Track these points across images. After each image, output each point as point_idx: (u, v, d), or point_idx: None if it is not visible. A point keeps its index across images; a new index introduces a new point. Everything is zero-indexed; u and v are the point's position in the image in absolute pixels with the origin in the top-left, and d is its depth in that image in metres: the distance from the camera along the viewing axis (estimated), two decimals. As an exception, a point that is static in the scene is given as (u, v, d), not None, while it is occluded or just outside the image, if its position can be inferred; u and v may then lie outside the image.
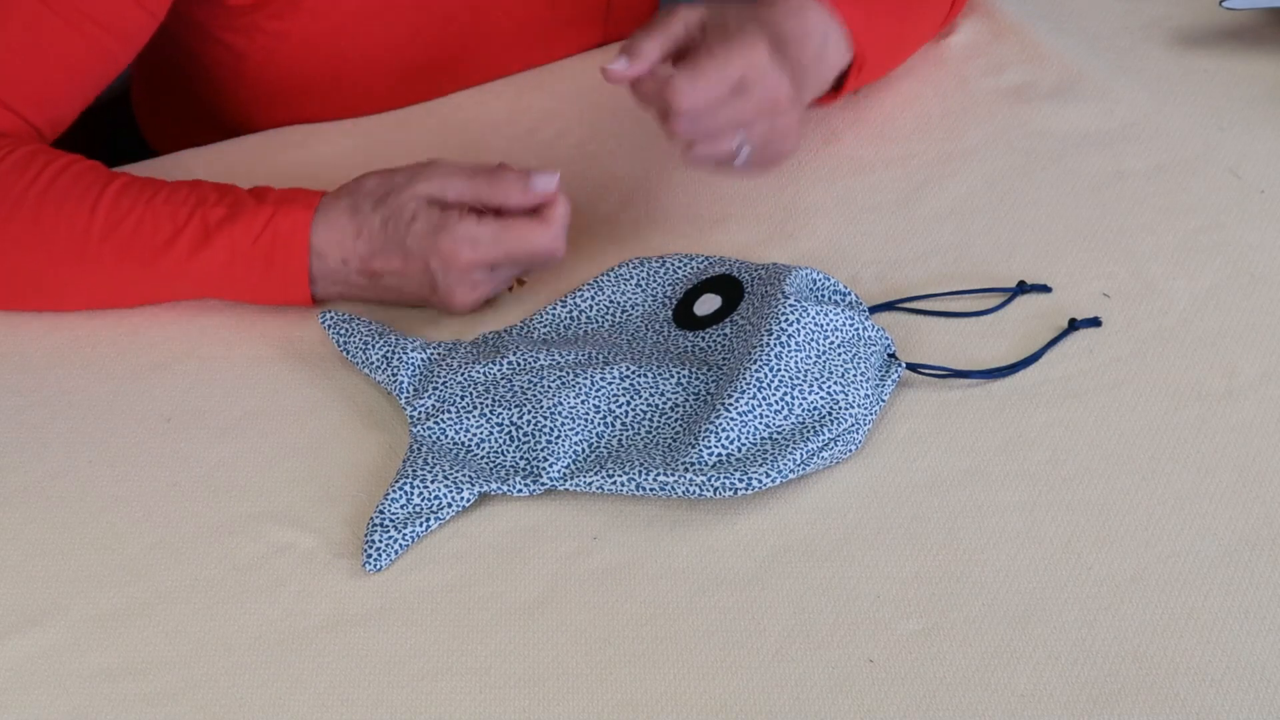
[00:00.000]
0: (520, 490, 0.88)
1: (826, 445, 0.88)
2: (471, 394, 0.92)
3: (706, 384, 0.92)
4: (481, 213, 0.96)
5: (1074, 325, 0.97)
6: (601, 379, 0.92)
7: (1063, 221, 1.05)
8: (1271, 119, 1.14)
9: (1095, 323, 0.97)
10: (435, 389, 0.92)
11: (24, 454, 0.91)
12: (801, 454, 0.88)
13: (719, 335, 0.94)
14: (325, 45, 1.11)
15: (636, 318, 0.98)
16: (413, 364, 0.93)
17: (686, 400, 0.91)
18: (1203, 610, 0.83)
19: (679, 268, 0.99)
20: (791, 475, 0.87)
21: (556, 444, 0.89)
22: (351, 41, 1.12)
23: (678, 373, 0.92)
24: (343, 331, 0.96)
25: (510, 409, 0.91)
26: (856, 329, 0.93)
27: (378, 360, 0.94)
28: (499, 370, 0.93)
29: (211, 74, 1.16)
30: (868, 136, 1.13)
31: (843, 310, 0.93)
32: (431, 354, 0.94)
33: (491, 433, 0.90)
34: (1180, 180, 1.08)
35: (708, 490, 0.86)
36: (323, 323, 0.96)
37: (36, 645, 0.82)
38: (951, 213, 1.07)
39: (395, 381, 0.93)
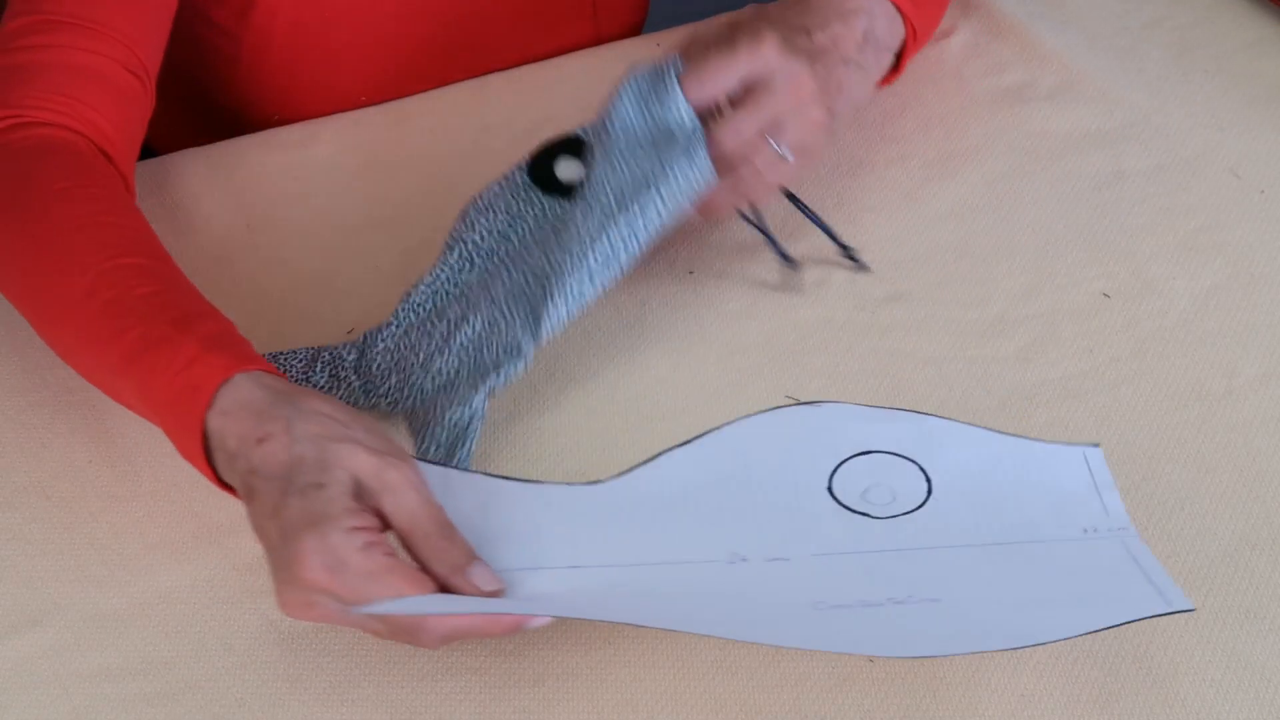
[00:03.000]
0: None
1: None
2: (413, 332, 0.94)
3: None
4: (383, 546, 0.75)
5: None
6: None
7: (1063, 221, 1.05)
8: (1271, 119, 1.14)
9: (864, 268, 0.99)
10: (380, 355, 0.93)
11: (24, 454, 0.91)
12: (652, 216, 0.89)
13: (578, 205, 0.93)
14: (314, 25, 1.11)
15: (526, 230, 0.97)
16: (363, 361, 0.94)
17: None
18: (1203, 610, 0.83)
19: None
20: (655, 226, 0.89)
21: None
22: (341, 24, 1.12)
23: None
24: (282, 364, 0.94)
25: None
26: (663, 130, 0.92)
27: (324, 383, 0.94)
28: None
29: (205, 60, 1.16)
30: (868, 136, 1.13)
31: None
32: (383, 343, 0.94)
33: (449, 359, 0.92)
34: (1180, 180, 1.09)
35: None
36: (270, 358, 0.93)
37: (36, 645, 0.82)
38: (951, 213, 1.07)
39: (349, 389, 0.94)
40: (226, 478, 0.80)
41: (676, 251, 1.04)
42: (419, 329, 0.94)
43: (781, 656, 0.81)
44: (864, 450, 0.84)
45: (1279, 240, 1.04)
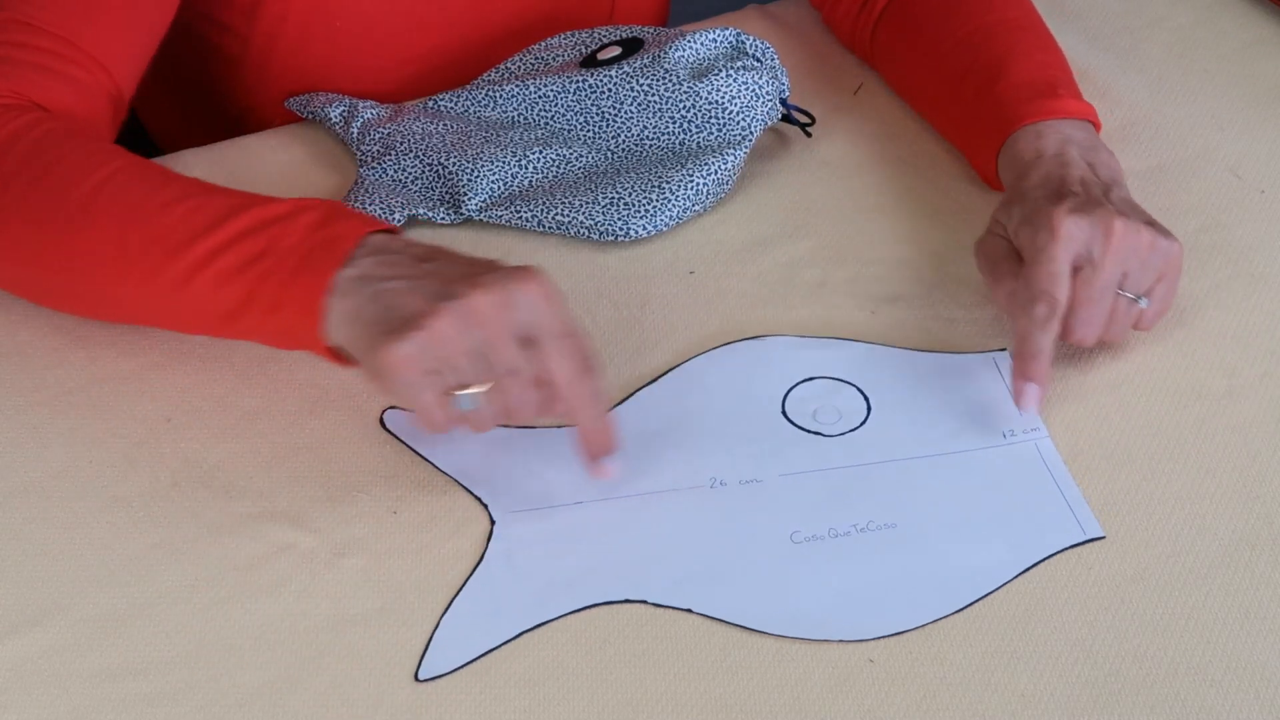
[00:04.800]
0: (443, 218, 1.04)
1: (699, 195, 1.03)
2: (410, 141, 1.06)
3: (605, 139, 1.06)
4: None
5: None
6: (519, 135, 1.07)
7: (1063, 221, 1.05)
8: (1271, 119, 1.14)
9: None
10: (381, 138, 1.07)
11: (24, 454, 0.91)
12: (676, 210, 1.03)
13: (611, 73, 1.06)
14: (322, 27, 1.11)
15: (553, 67, 1.10)
16: (364, 118, 1.08)
17: (589, 152, 1.06)
18: (1203, 610, 0.83)
19: (600, 35, 1.11)
20: (665, 229, 1.03)
21: (476, 182, 1.03)
22: (349, 26, 1.12)
23: (582, 131, 1.06)
24: (306, 103, 1.11)
25: (440, 154, 1.05)
26: (742, 87, 1.05)
27: (336, 118, 1.09)
28: (435, 127, 1.07)
29: (211, 60, 1.16)
30: (868, 136, 1.13)
31: (734, 74, 1.05)
32: (380, 112, 1.09)
33: (423, 171, 1.05)
34: (1180, 180, 1.09)
35: (594, 233, 1.02)
36: (289, 104, 1.11)
37: (36, 645, 0.82)
38: (951, 212, 1.07)
39: (348, 132, 1.08)
40: (361, 288, 0.83)
41: (676, 251, 1.04)
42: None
43: (782, 656, 0.81)
44: (809, 376, 0.95)
45: (1279, 240, 1.04)
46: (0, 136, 0.92)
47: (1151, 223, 0.93)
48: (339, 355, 0.87)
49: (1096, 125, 1.03)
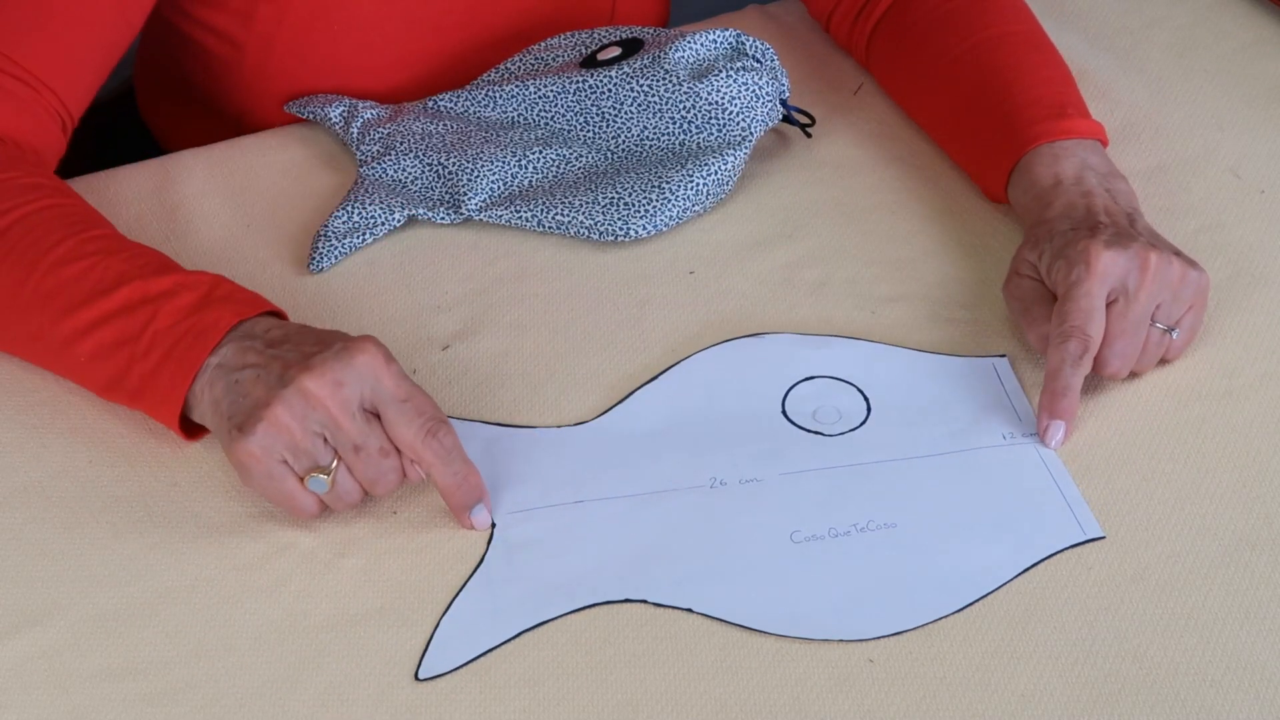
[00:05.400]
0: (443, 218, 1.04)
1: (699, 195, 1.04)
2: (410, 141, 1.07)
3: (605, 139, 1.07)
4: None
5: None
6: (519, 135, 1.07)
7: (1063, 221, 1.05)
8: (1271, 119, 1.14)
9: None
10: (381, 138, 1.08)
11: (24, 454, 0.91)
12: (676, 210, 1.03)
13: (611, 74, 1.06)
14: (319, 32, 1.11)
15: (554, 67, 1.10)
16: (363, 118, 1.09)
17: (589, 152, 1.06)
18: (1203, 610, 0.83)
19: (600, 35, 1.11)
20: (665, 229, 1.03)
21: (476, 182, 1.04)
22: (347, 31, 1.12)
23: (582, 132, 1.07)
24: (305, 104, 1.12)
25: (440, 154, 1.06)
26: (744, 88, 1.05)
27: (336, 118, 1.10)
28: (435, 127, 1.08)
29: (207, 66, 1.16)
30: (868, 136, 1.13)
31: (734, 74, 1.05)
32: (380, 112, 1.10)
33: (423, 171, 1.06)
34: (1180, 180, 1.09)
35: (594, 233, 1.02)
36: (288, 108, 1.12)
37: (36, 645, 0.82)
38: (951, 213, 1.07)
39: (348, 133, 1.09)
40: (220, 377, 0.85)
41: (676, 251, 1.04)
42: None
43: (781, 656, 0.81)
44: (808, 376, 0.95)
45: (1279, 240, 1.04)
46: None
47: (1178, 253, 0.93)
48: (194, 434, 0.90)
49: (1104, 142, 1.02)
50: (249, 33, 1.12)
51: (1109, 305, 0.91)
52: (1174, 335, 0.93)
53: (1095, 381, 0.95)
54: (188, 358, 0.86)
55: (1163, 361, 0.95)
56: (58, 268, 0.90)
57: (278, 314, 0.90)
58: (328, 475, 0.83)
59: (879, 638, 0.82)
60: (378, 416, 0.84)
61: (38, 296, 0.90)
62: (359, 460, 0.84)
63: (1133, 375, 0.94)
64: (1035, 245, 0.95)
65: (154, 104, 1.27)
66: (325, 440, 0.83)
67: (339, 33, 1.12)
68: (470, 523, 0.86)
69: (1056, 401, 0.90)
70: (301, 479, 0.84)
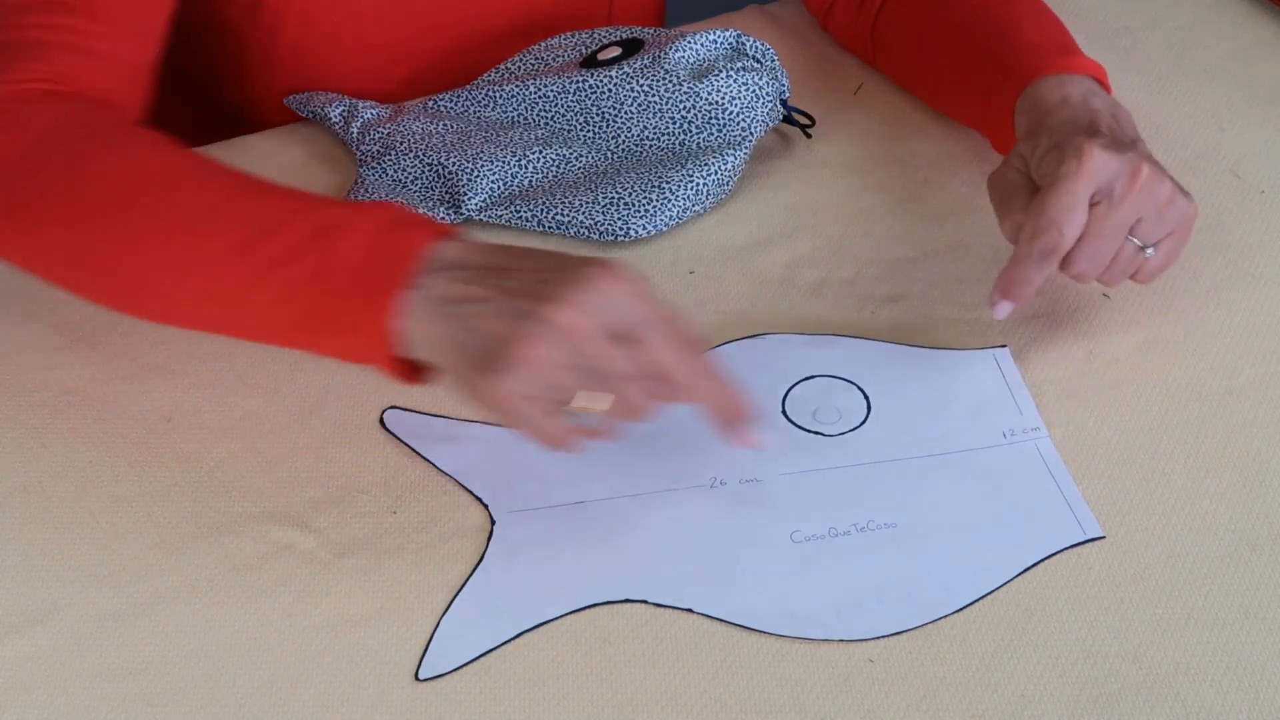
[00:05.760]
0: (443, 218, 1.04)
1: (699, 195, 1.04)
2: (410, 141, 1.07)
3: (605, 139, 1.07)
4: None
5: None
6: (519, 135, 1.07)
7: (1063, 221, 1.05)
8: (1271, 119, 1.14)
9: None
10: (381, 138, 1.08)
11: (24, 454, 0.91)
12: (676, 210, 1.03)
13: (611, 74, 1.06)
14: (322, 26, 1.11)
15: (554, 67, 1.10)
16: (364, 118, 1.09)
17: (589, 152, 1.06)
18: (1203, 610, 0.83)
19: (600, 36, 1.11)
20: (665, 229, 1.03)
21: (476, 182, 1.04)
22: (349, 25, 1.12)
23: (582, 132, 1.07)
24: (306, 102, 1.12)
25: (440, 154, 1.06)
26: (740, 89, 1.05)
27: (336, 118, 1.10)
28: (435, 127, 1.08)
29: (211, 59, 1.16)
30: (868, 136, 1.13)
31: (733, 75, 1.05)
32: (380, 112, 1.10)
33: (423, 171, 1.06)
34: (1180, 180, 1.08)
35: (594, 233, 1.02)
36: (288, 102, 1.12)
37: (36, 645, 0.82)
38: (951, 212, 1.07)
39: (348, 132, 1.09)
40: (439, 310, 0.79)
41: (676, 251, 1.04)
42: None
43: (781, 656, 0.81)
44: (809, 375, 0.95)
45: (1279, 240, 1.04)
46: (34, 133, 0.90)
47: (1173, 179, 0.93)
48: (410, 373, 0.83)
49: (1107, 87, 1.02)
50: (253, 25, 1.12)
51: (1091, 206, 0.90)
52: (1148, 254, 0.92)
53: (1096, 381, 0.95)
54: (385, 287, 0.80)
55: (1135, 279, 0.94)
56: (212, 212, 0.85)
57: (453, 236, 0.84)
58: (593, 407, 0.80)
59: (879, 638, 0.82)
60: (629, 340, 0.79)
61: (196, 253, 0.84)
62: (624, 386, 0.80)
63: (1099, 285, 0.94)
64: (1032, 138, 0.95)
65: (157, 100, 1.27)
66: (582, 370, 0.79)
67: (340, 28, 1.12)
68: (748, 440, 0.83)
69: (1012, 287, 0.91)
70: (557, 408, 0.80)
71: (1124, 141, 0.93)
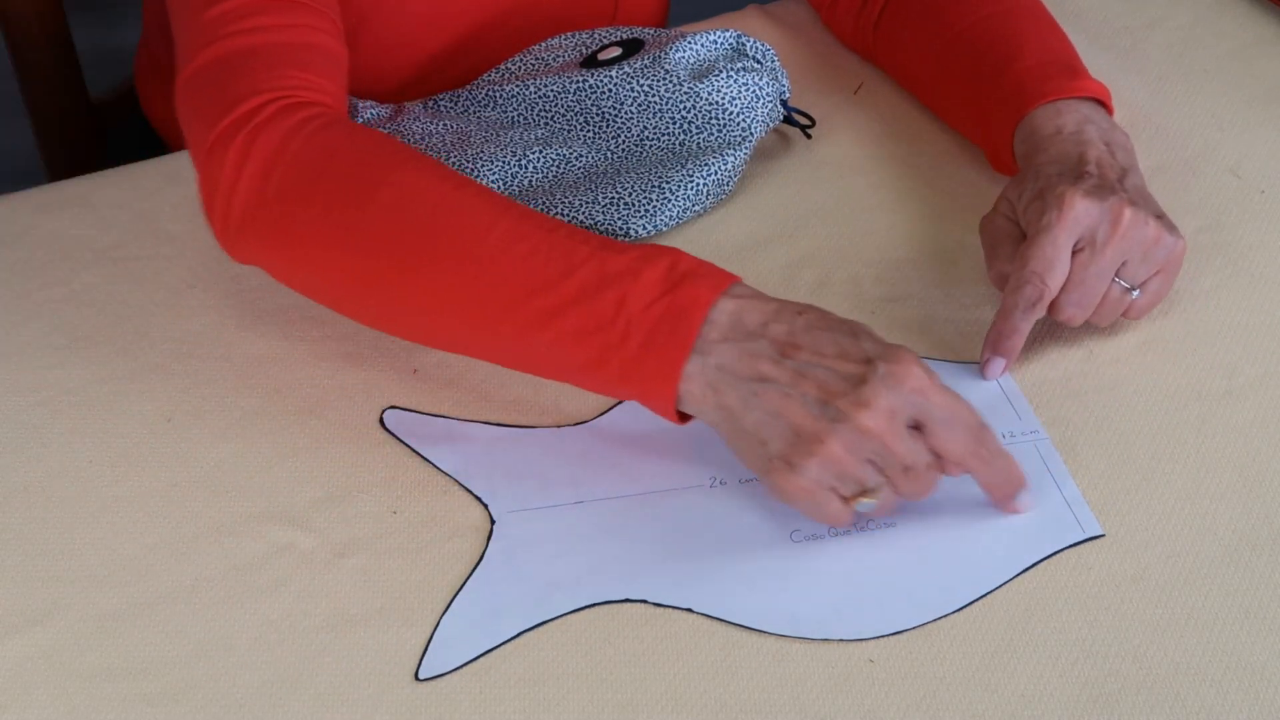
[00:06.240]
0: None
1: (699, 195, 1.04)
2: (410, 141, 1.06)
3: (605, 139, 1.06)
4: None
5: None
6: (519, 135, 1.07)
7: (1063, 221, 1.05)
8: (1271, 119, 1.14)
9: None
10: None
11: (24, 454, 0.91)
12: (676, 210, 1.03)
13: (611, 74, 1.06)
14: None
15: (554, 67, 1.10)
16: (363, 118, 1.08)
17: (589, 152, 1.06)
18: (1203, 610, 0.83)
19: (600, 36, 1.11)
20: (665, 229, 1.03)
21: (477, 179, 1.00)
22: (349, 27, 1.11)
23: (582, 132, 1.06)
24: None
25: (440, 154, 1.05)
26: (741, 89, 1.05)
27: None
28: (435, 127, 1.07)
29: None
30: (868, 136, 1.13)
31: (733, 76, 1.06)
32: (380, 112, 1.09)
33: None
34: (1180, 180, 1.09)
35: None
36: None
37: (36, 645, 0.82)
38: (951, 212, 1.07)
39: None
40: (728, 383, 0.81)
41: (676, 251, 1.04)
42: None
43: (781, 656, 0.81)
44: None
45: (1279, 240, 1.04)
46: (317, 149, 0.90)
47: (1160, 216, 0.94)
48: (684, 417, 0.85)
49: (1109, 108, 1.03)
50: None
51: (1075, 253, 0.92)
52: (1135, 295, 0.93)
53: (1096, 381, 0.95)
54: (672, 343, 0.82)
55: (1126, 317, 0.95)
56: (498, 257, 0.85)
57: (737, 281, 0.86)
58: (875, 498, 0.82)
59: (879, 637, 0.82)
60: (918, 427, 0.81)
61: (482, 292, 0.85)
62: (906, 478, 0.82)
63: (1090, 325, 0.95)
64: (1019, 184, 0.96)
65: (155, 97, 1.27)
66: (873, 463, 0.81)
67: (349, 22, 1.12)
68: (1015, 508, 0.86)
69: (1002, 341, 0.92)
70: (846, 499, 0.82)
71: (1108, 182, 0.93)
